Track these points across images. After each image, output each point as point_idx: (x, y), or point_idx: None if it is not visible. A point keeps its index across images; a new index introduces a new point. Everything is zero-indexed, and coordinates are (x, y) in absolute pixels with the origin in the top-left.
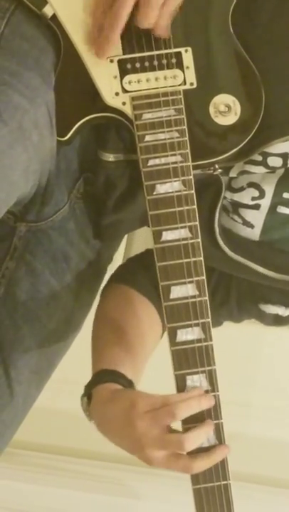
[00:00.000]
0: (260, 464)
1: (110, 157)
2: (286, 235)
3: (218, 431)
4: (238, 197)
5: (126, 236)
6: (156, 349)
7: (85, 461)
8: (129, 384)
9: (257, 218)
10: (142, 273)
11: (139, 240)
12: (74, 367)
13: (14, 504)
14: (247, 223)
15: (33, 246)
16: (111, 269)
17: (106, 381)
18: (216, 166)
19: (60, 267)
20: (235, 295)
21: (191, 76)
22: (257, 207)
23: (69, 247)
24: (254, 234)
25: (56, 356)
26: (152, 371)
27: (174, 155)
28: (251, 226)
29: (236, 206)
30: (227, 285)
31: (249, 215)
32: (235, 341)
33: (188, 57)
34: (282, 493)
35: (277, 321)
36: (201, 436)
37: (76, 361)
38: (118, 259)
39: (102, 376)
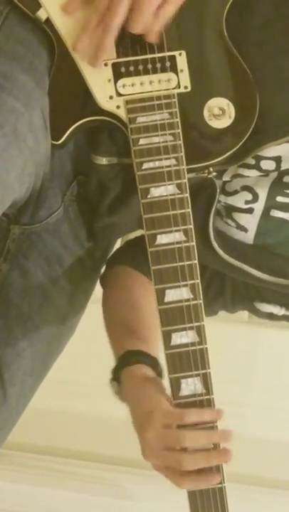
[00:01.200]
0: (256, 464)
1: (103, 160)
2: (280, 239)
3: None
4: (231, 200)
5: (120, 239)
6: None
7: (80, 462)
8: (154, 361)
9: (250, 222)
10: (140, 257)
11: None
12: (69, 368)
13: (9, 505)
14: (241, 227)
15: (27, 248)
16: None
17: (133, 362)
18: (211, 169)
19: (53, 269)
20: (229, 290)
21: (185, 79)
22: (250, 211)
23: (63, 249)
24: (248, 238)
25: (50, 358)
26: None
27: (168, 158)
28: (245, 230)
29: (230, 210)
30: (221, 279)
31: (242, 219)
32: (232, 341)
33: (182, 60)
34: (279, 494)
35: (272, 317)
36: (202, 460)
37: (71, 362)
38: None
39: (128, 358)
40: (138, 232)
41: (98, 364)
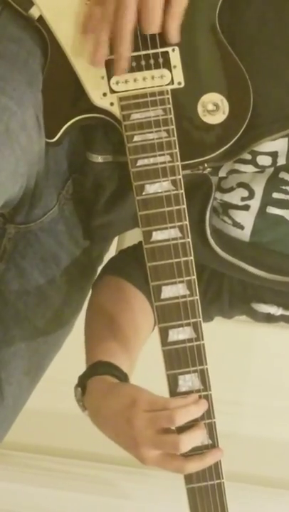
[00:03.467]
0: (252, 463)
1: (98, 158)
2: (276, 236)
3: (211, 430)
4: (227, 197)
5: (117, 237)
6: (148, 349)
7: (77, 461)
8: (124, 377)
9: (247, 219)
10: (134, 265)
11: (129, 241)
12: (66, 368)
13: (6, 505)
14: (237, 224)
15: (23, 247)
16: None
17: (102, 373)
18: (205, 165)
19: (49, 268)
20: (227, 293)
21: (178, 75)
22: (246, 208)
23: (58, 248)
24: (244, 235)
25: (47, 357)
26: (144, 371)
27: (163, 155)
28: (241, 227)
29: (226, 207)
30: (219, 282)
31: (239, 216)
32: (228, 340)
33: (175, 56)
34: (276, 493)
35: (269, 319)
36: (197, 438)
37: (68, 362)
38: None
39: (98, 367)
40: (134, 231)
41: None
